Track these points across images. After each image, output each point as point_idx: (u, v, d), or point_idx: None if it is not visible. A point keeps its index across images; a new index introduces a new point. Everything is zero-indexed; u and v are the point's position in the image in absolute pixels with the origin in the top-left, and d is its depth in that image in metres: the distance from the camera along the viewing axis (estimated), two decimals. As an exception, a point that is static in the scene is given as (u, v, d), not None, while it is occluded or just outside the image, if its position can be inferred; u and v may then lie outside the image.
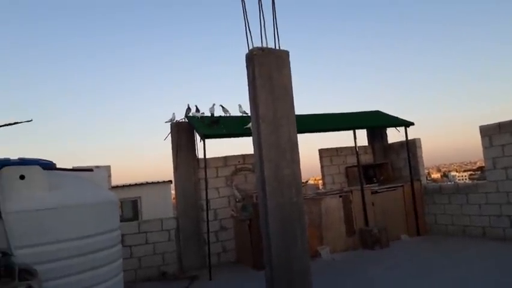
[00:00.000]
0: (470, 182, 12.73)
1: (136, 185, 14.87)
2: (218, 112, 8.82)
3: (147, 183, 15.05)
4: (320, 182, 11.51)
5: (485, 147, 8.42)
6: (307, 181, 12.10)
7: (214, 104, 8.79)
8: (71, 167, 3.96)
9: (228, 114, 8.79)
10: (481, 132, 8.49)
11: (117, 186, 13.73)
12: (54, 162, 3.65)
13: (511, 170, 7.91)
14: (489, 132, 8.32)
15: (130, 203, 14.63)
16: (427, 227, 9.63)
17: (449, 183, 10.99)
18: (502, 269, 6.09)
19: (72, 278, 2.99)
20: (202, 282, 7.14)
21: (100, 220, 3.30)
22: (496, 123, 8.20)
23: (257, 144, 4.94)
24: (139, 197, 14.67)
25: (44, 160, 3.53)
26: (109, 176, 7.38)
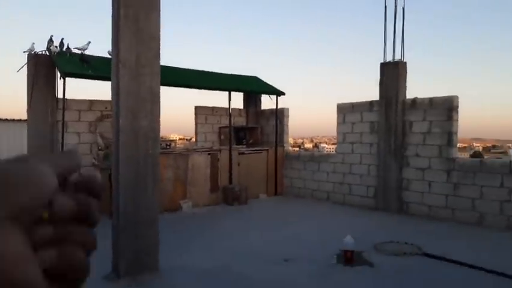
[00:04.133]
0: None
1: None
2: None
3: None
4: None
5: (338, 123, 9.47)
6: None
7: (90, 42, 8.03)
8: None
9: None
10: (337, 109, 9.49)
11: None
12: None
13: (356, 145, 9.09)
14: (344, 110, 9.35)
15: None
16: (284, 189, 10.61)
17: (317, 152, 12.16)
18: (334, 226, 7.11)
19: None
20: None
21: None
22: (350, 103, 9.24)
23: (115, 91, 4.72)
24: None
25: None
26: None
